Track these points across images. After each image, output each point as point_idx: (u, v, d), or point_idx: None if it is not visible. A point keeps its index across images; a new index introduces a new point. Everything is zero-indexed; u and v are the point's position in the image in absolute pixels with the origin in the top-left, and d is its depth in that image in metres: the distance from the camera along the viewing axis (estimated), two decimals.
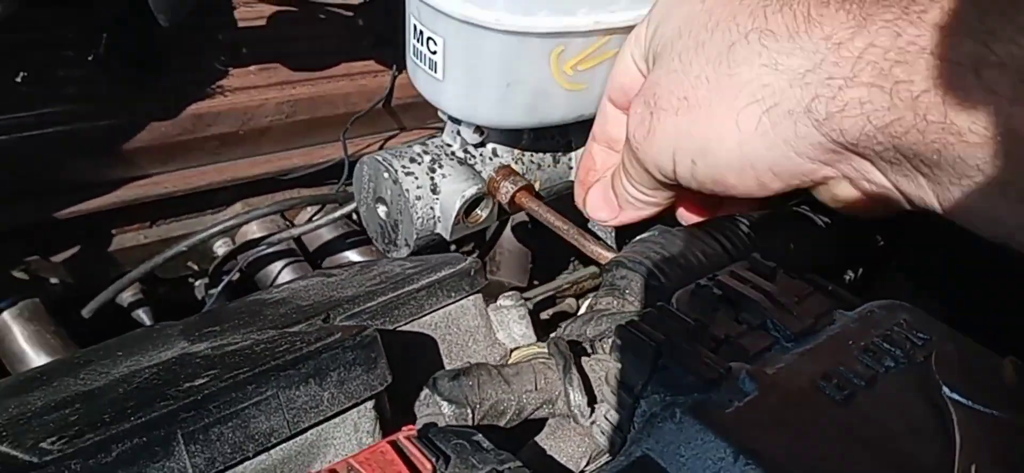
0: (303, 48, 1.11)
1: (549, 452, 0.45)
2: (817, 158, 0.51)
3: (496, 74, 0.66)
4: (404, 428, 0.38)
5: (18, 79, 0.89)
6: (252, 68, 1.06)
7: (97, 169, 0.95)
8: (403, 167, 0.71)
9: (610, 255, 0.63)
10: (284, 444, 0.43)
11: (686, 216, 0.66)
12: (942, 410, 0.42)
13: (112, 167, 0.96)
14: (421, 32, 0.67)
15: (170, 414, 0.40)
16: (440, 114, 0.75)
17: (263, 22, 1.10)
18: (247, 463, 0.42)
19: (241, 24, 1.08)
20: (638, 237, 0.60)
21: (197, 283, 1.12)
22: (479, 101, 0.68)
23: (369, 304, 0.53)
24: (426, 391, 0.43)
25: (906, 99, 0.45)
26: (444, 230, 0.71)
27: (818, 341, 0.46)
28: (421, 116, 1.21)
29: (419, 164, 0.72)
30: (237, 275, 1.05)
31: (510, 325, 0.58)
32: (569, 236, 0.66)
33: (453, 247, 0.90)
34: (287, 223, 1.14)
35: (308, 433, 0.44)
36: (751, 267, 0.51)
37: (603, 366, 0.47)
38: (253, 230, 1.10)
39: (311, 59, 1.11)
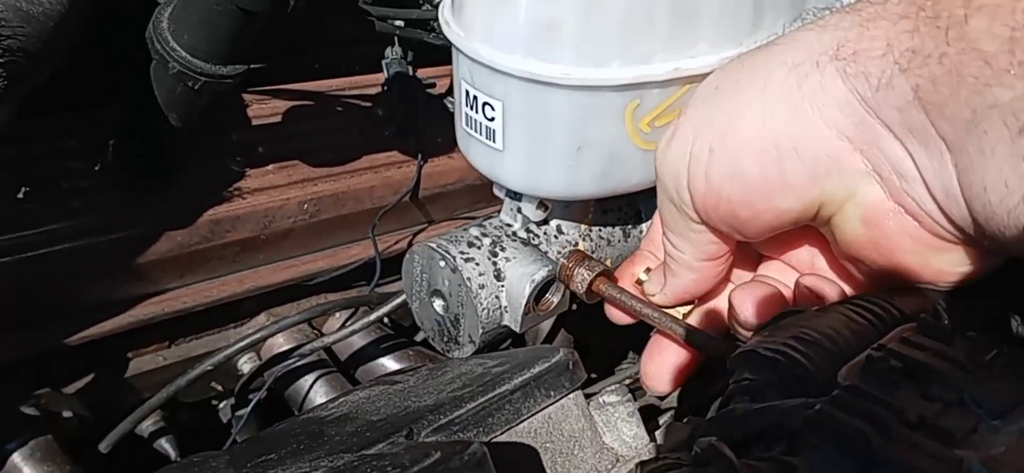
0: (322, 142, 1.04)
1: None
2: (844, 132, 0.46)
3: (564, 137, 0.58)
4: None
5: (20, 195, 0.81)
6: (270, 167, 0.98)
7: (109, 288, 0.87)
8: (461, 253, 0.62)
9: (718, 345, 0.54)
10: None
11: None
12: None
13: (125, 284, 0.87)
14: (475, 98, 0.59)
15: None
16: (495, 191, 0.67)
17: (278, 118, 1.03)
18: None
19: (255, 122, 1.01)
20: (764, 324, 0.51)
21: (222, 405, 1.02)
22: (545, 170, 0.60)
23: (458, 413, 0.45)
24: None
25: (930, 26, 0.41)
26: (512, 321, 0.63)
27: None
28: (450, 206, 1.13)
29: (478, 249, 0.63)
30: (265, 394, 0.96)
31: (618, 425, 0.49)
32: (662, 324, 0.57)
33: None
34: (316, 332, 1.05)
35: None
36: (922, 330, 0.42)
37: (765, 470, 0.37)
38: (280, 342, 1.01)
39: (331, 153, 1.03)
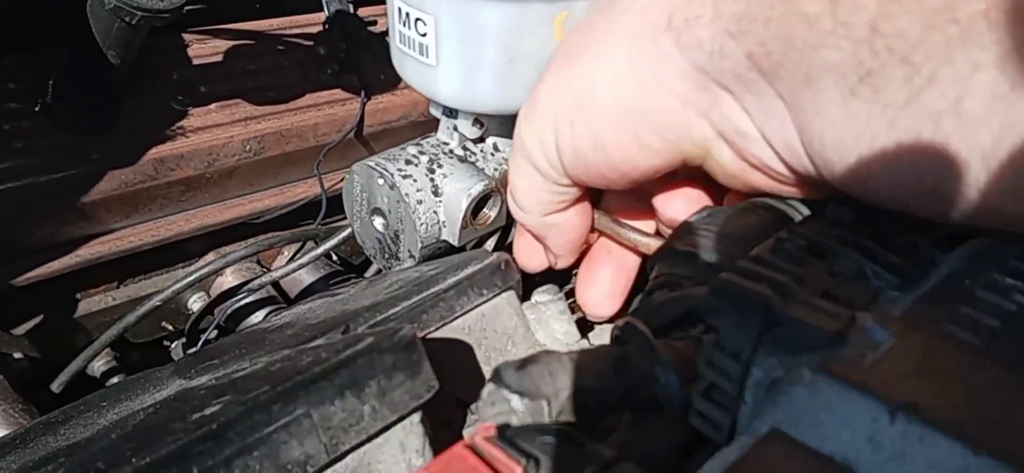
0: (264, 81, 1.04)
1: (634, 449, 0.38)
2: (687, 99, 0.46)
3: (496, 50, 0.59)
4: (480, 429, 0.31)
5: None
6: (212, 106, 0.98)
7: (55, 229, 0.87)
8: (399, 170, 0.64)
9: (652, 242, 0.56)
10: None
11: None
12: None
13: (71, 225, 0.88)
14: (407, 14, 0.60)
15: (181, 450, 0.33)
16: (431, 111, 0.68)
17: (219, 58, 1.03)
18: None
19: (197, 61, 1.01)
20: (679, 225, 0.53)
21: (172, 345, 1.03)
22: (478, 84, 0.61)
23: (393, 310, 0.46)
24: (491, 386, 0.36)
25: None
26: (451, 235, 0.64)
27: (929, 285, 0.40)
28: (393, 143, 1.13)
29: (416, 166, 0.65)
30: (215, 331, 0.97)
31: (550, 323, 0.51)
32: (605, 228, 0.58)
33: None
34: (263, 269, 1.06)
35: (348, 459, 0.37)
36: (829, 215, 0.44)
37: (682, 348, 0.40)
38: (228, 280, 1.02)
39: (273, 92, 1.04)
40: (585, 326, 0.58)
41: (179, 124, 0.95)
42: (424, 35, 0.60)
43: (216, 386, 0.40)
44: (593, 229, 0.59)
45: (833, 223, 0.45)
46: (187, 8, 0.81)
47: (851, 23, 0.38)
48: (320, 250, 0.92)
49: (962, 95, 0.35)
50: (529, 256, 0.59)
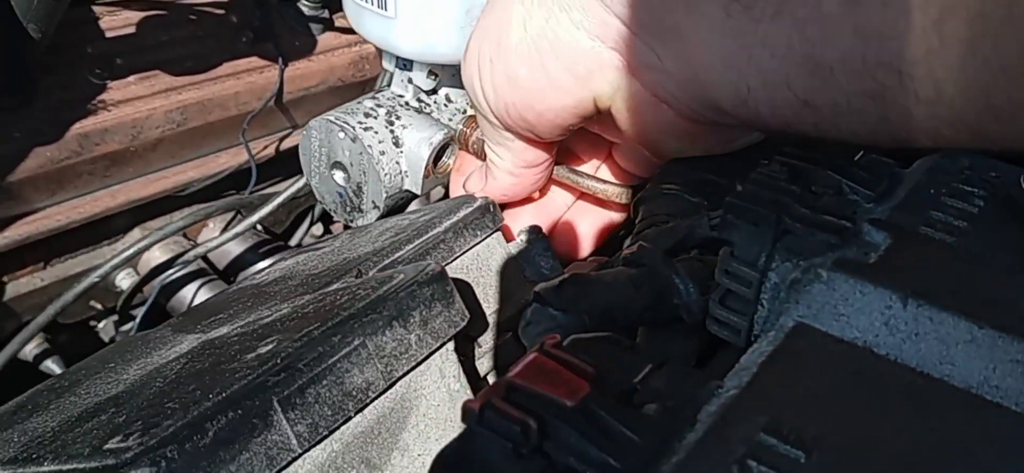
0: (181, 52, 1.02)
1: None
2: (594, 32, 0.48)
3: (454, 2, 0.61)
4: (546, 339, 0.34)
5: None
6: (131, 79, 0.97)
7: None
8: (360, 123, 0.65)
9: (618, 189, 0.59)
10: (378, 400, 0.38)
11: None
12: None
13: None
14: None
15: (258, 384, 0.34)
16: (385, 63, 0.69)
17: (133, 29, 1.01)
18: (347, 426, 0.36)
19: (110, 34, 0.98)
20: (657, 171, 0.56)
21: (101, 324, 1.01)
22: (437, 35, 0.63)
23: (398, 254, 0.48)
24: (535, 306, 0.38)
25: None
26: (413, 184, 0.66)
27: (900, 196, 0.44)
28: (314, 109, 1.14)
29: (375, 118, 0.66)
30: (151, 304, 0.96)
31: (536, 260, 0.54)
32: (569, 179, 0.61)
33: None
34: (190, 241, 1.05)
35: (397, 386, 0.39)
36: (796, 145, 0.49)
37: (689, 266, 0.43)
38: (156, 255, 1.01)
39: (191, 62, 1.02)
40: None
41: (100, 98, 0.93)
42: None
43: (250, 332, 0.42)
44: (554, 180, 0.62)
45: (805, 148, 0.49)
46: None
47: None
48: (254, 218, 0.93)
49: (820, 1, 0.39)
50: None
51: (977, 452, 0.32)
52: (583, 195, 0.63)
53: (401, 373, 0.38)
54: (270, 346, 0.37)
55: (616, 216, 0.64)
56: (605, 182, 0.61)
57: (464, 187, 0.63)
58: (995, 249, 0.40)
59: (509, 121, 0.54)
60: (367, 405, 0.37)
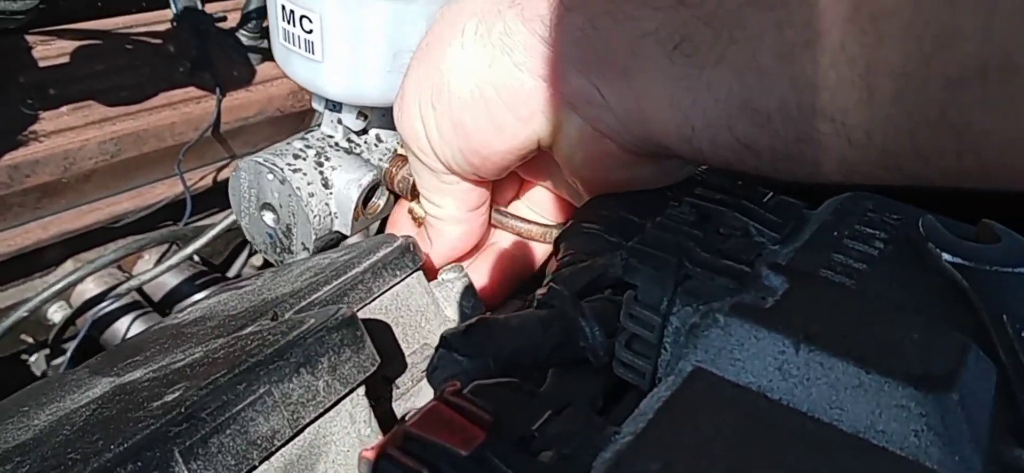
0: (115, 82, 1.02)
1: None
2: (536, 72, 0.49)
3: (381, 45, 0.62)
4: (447, 387, 0.34)
5: None
6: (64, 109, 0.96)
7: None
8: (288, 164, 0.65)
9: (539, 229, 0.60)
10: (284, 448, 0.38)
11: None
12: (948, 275, 0.42)
13: None
14: (292, 12, 0.62)
15: (159, 433, 0.34)
16: (314, 105, 0.70)
17: (66, 59, 1.00)
18: None
19: (42, 63, 0.98)
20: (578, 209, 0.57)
21: (32, 358, 1.00)
22: (365, 79, 0.63)
23: (316, 295, 0.48)
24: (441, 351, 0.39)
25: None
26: (343, 226, 0.66)
27: (804, 238, 0.46)
28: (251, 140, 1.14)
29: (304, 159, 0.66)
30: (82, 338, 0.95)
31: (457, 299, 0.55)
32: (493, 219, 0.62)
33: None
34: (125, 274, 1.04)
35: (305, 433, 0.39)
36: (709, 182, 0.50)
37: (598, 308, 0.44)
38: (90, 287, 1.00)
39: (126, 93, 1.02)
40: None
41: (32, 128, 0.92)
42: (310, 32, 0.62)
43: (160, 377, 0.41)
44: (491, 224, 0.63)
45: (712, 189, 0.51)
46: None
47: None
48: (189, 250, 0.92)
49: (756, 53, 0.40)
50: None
51: None
52: (520, 236, 0.64)
53: (309, 420, 0.38)
54: (177, 394, 0.37)
55: (538, 253, 0.64)
56: (529, 222, 0.62)
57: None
58: (892, 289, 0.41)
59: (454, 166, 0.54)
60: (273, 453, 0.37)
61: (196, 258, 1.09)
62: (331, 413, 0.40)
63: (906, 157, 0.39)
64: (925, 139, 0.37)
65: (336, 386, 0.39)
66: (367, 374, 0.41)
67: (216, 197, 1.10)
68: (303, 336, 0.39)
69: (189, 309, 0.58)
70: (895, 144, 0.38)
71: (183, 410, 0.35)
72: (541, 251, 0.65)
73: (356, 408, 0.41)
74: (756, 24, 0.40)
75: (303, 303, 0.48)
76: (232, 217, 0.89)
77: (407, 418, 0.32)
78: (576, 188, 0.58)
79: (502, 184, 0.63)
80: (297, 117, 1.16)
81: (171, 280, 1.05)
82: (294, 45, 0.64)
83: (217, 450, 0.35)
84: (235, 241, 1.16)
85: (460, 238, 0.60)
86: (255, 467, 0.36)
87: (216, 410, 0.36)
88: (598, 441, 0.33)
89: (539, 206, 0.64)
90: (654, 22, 0.43)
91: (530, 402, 0.35)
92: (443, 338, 0.40)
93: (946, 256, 0.43)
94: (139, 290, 1.03)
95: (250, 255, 1.18)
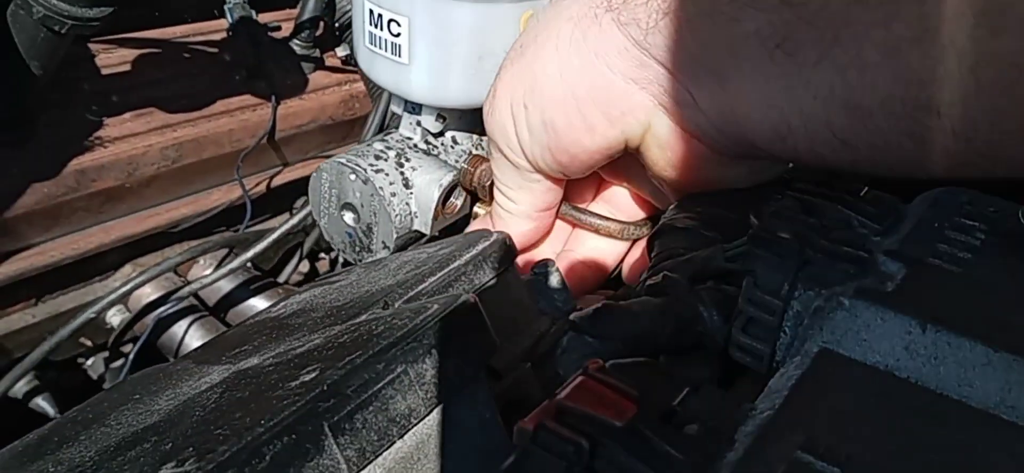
0: (175, 89, 1.04)
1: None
2: (629, 74, 0.50)
3: (467, 48, 0.63)
4: (589, 364, 0.35)
5: None
6: (127, 116, 0.98)
7: None
8: (371, 165, 0.66)
9: (618, 226, 0.61)
10: (417, 426, 0.39)
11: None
12: None
13: None
14: (380, 15, 0.63)
15: (309, 409, 0.35)
16: (394, 106, 0.71)
17: (128, 67, 1.02)
18: (390, 451, 0.37)
19: (106, 71, 1.00)
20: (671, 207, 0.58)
21: (90, 361, 1.01)
22: (449, 81, 0.65)
23: (422, 286, 0.49)
24: (571, 335, 0.40)
25: None
26: (423, 224, 0.68)
27: (905, 229, 0.46)
28: (305, 147, 1.16)
29: (385, 160, 0.67)
30: (143, 343, 0.96)
31: (550, 293, 0.55)
32: (571, 216, 0.63)
33: None
34: (182, 279, 1.06)
35: (435, 413, 0.40)
36: (806, 181, 0.51)
37: (710, 294, 0.45)
38: (147, 291, 1.01)
39: (186, 100, 1.03)
40: None
41: (97, 135, 0.93)
42: (397, 35, 0.63)
43: (285, 362, 0.42)
44: (560, 216, 0.64)
45: (810, 183, 0.52)
46: None
47: None
48: (249, 253, 0.93)
49: (861, 49, 0.41)
50: None
51: (997, 467, 0.34)
52: (577, 229, 0.65)
53: (440, 400, 0.39)
54: (313, 374, 0.38)
55: (613, 252, 0.65)
56: (608, 219, 0.63)
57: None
58: (1000, 278, 0.42)
59: (541, 164, 0.56)
60: (409, 431, 0.38)
61: (249, 264, 1.10)
62: (457, 395, 0.41)
63: (1010, 146, 0.40)
64: None
65: (463, 368, 0.40)
66: (489, 357, 0.42)
67: (271, 202, 1.12)
68: (432, 319, 0.40)
69: (279, 305, 0.59)
70: (1000, 134, 0.39)
71: (326, 388, 0.36)
72: (613, 257, 0.66)
73: (477, 389, 0.42)
74: (863, 21, 0.41)
75: (411, 293, 0.49)
76: (290, 222, 0.91)
77: (556, 394, 0.33)
78: (660, 189, 0.59)
79: (582, 184, 0.64)
80: (348, 125, 1.17)
81: (227, 285, 1.06)
82: (380, 48, 0.65)
83: (362, 426, 0.36)
84: (285, 247, 1.17)
85: (527, 235, 0.62)
86: (394, 442, 0.37)
87: (359, 388, 0.36)
88: (738, 417, 0.34)
89: (617, 206, 0.65)
90: (756, 22, 0.44)
91: (667, 380, 0.36)
92: (571, 322, 0.41)
93: None
94: (195, 294, 1.04)
95: (299, 261, 1.19)
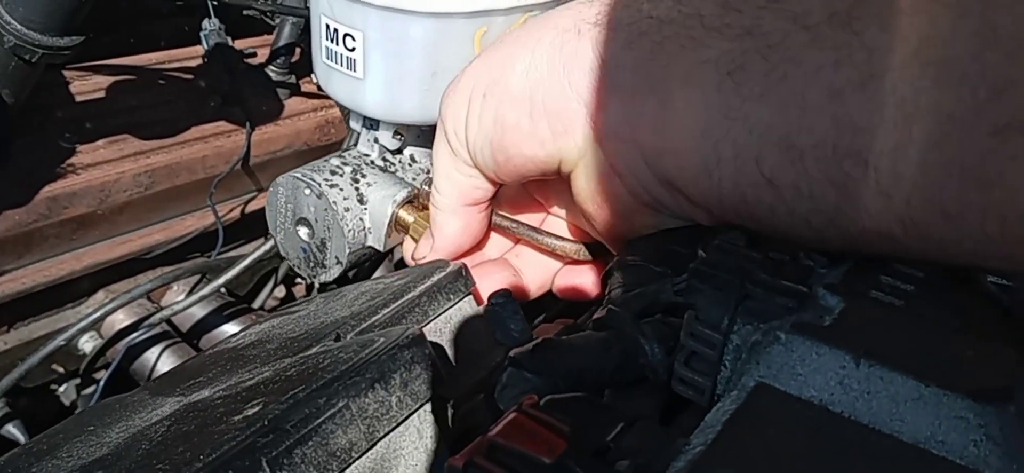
0: (149, 116, 1.04)
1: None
2: (582, 96, 0.50)
3: (421, 63, 0.64)
4: (524, 400, 0.35)
5: None
6: (100, 142, 0.98)
7: None
8: (326, 180, 0.67)
9: (573, 247, 0.62)
10: (359, 460, 0.39)
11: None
12: (994, 297, 0.43)
13: None
14: (336, 30, 0.64)
15: (248, 445, 0.35)
16: (352, 123, 0.72)
17: (102, 94, 1.02)
18: None
19: (80, 98, 1.00)
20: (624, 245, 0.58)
21: (62, 388, 1.01)
22: (403, 96, 0.66)
23: (375, 318, 0.50)
24: (511, 370, 0.40)
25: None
26: (376, 241, 0.68)
27: (850, 263, 0.47)
28: (279, 173, 1.15)
29: (341, 176, 0.68)
30: (114, 368, 0.96)
31: (506, 323, 0.56)
32: (529, 236, 0.63)
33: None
34: (155, 305, 1.06)
35: (378, 446, 0.40)
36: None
37: (654, 327, 0.45)
38: (120, 318, 1.01)
39: (160, 126, 1.04)
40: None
41: (69, 161, 0.94)
42: (352, 50, 0.64)
43: (233, 394, 0.43)
44: (491, 227, 0.64)
45: None
46: None
47: (733, 24, 0.45)
48: (221, 280, 0.94)
49: (805, 89, 0.41)
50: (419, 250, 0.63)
51: None
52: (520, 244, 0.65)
53: (382, 434, 0.40)
54: (256, 408, 0.39)
55: (551, 267, 0.65)
56: (561, 239, 0.63)
57: (413, 258, 0.64)
58: (940, 311, 0.43)
59: (479, 157, 0.56)
60: (350, 465, 0.38)
61: (223, 290, 1.11)
62: (401, 427, 0.41)
63: (929, 214, 0.40)
64: (954, 192, 0.38)
65: (407, 401, 0.41)
66: (435, 390, 0.42)
67: (243, 228, 1.12)
68: (377, 353, 0.41)
69: (240, 335, 0.59)
70: (922, 197, 0.39)
71: (267, 423, 0.37)
72: (551, 273, 0.65)
73: (424, 423, 0.42)
74: (814, 62, 0.42)
75: (363, 325, 0.49)
76: (262, 248, 0.91)
77: (488, 430, 0.33)
78: (585, 225, 0.59)
79: (525, 206, 0.64)
80: (324, 150, 1.17)
81: (200, 311, 1.06)
82: (336, 63, 0.66)
83: (300, 461, 0.36)
84: (260, 272, 1.17)
85: (458, 233, 0.61)
86: None
87: (299, 422, 0.37)
88: (670, 452, 0.35)
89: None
90: (718, 50, 0.45)
91: (602, 415, 0.36)
92: (511, 358, 0.41)
93: (990, 278, 0.44)
94: (168, 320, 1.04)
95: (274, 287, 1.20)
